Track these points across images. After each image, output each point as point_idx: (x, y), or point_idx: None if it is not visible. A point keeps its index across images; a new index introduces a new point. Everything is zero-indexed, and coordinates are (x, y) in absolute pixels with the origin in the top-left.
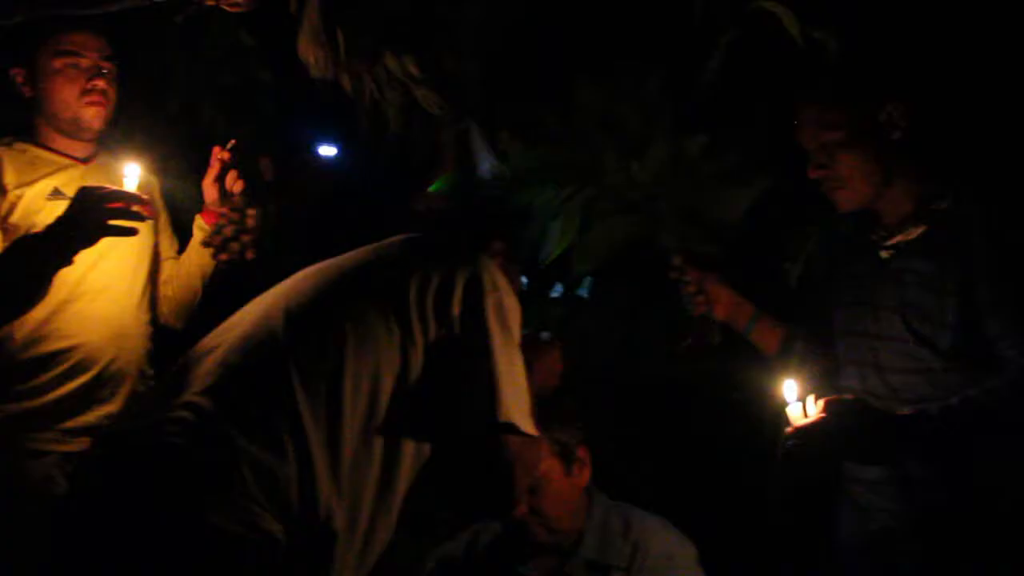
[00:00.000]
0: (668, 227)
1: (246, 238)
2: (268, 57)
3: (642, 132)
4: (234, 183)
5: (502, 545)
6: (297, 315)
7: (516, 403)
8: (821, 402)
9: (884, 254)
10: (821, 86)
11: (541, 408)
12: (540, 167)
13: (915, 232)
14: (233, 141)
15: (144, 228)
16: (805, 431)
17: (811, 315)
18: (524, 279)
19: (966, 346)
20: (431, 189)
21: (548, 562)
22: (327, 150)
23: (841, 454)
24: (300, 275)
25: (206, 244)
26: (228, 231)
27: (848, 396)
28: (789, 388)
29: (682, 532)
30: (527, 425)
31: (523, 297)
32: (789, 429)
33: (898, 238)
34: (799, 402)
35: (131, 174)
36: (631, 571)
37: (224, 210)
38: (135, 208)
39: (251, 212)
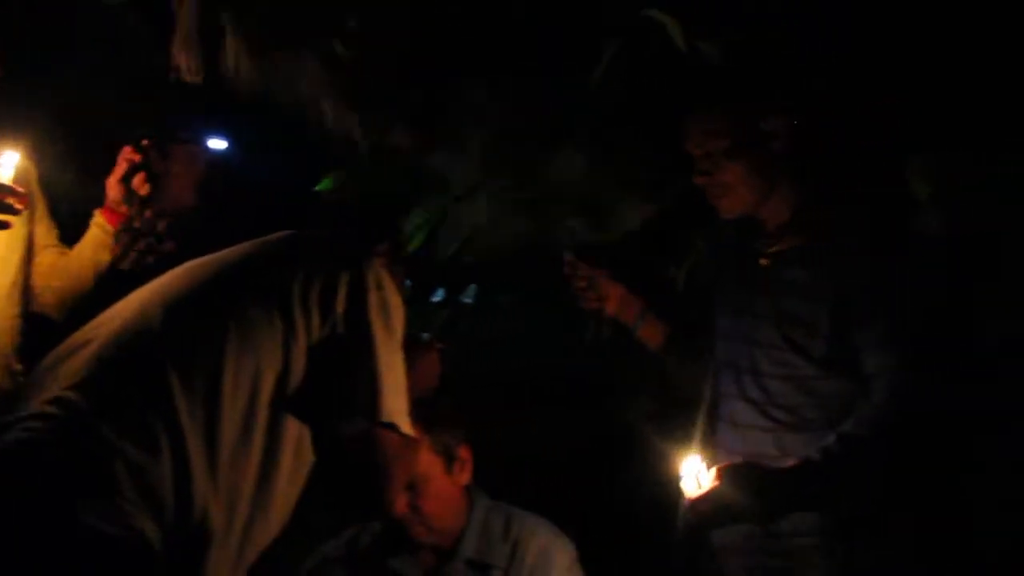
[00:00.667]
0: (565, 226)
1: (152, 246)
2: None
3: (539, 136)
4: (142, 185)
5: (382, 545)
6: (176, 310)
7: (396, 402)
8: (713, 471)
9: (763, 262)
10: (706, 96)
11: (423, 408)
12: (427, 170)
13: (793, 241)
14: (146, 141)
15: (17, 218)
16: (701, 503)
17: (695, 318)
18: (408, 282)
19: (839, 355)
20: (319, 187)
21: (428, 562)
22: (217, 143)
23: (739, 518)
24: (180, 269)
25: (116, 258)
26: (141, 246)
27: (737, 460)
28: (688, 463)
29: (562, 532)
30: (405, 424)
31: (406, 300)
32: (686, 503)
33: (776, 247)
34: (692, 475)
35: (6, 163)
36: (510, 571)
37: (127, 211)
38: (8, 200)
39: (161, 225)
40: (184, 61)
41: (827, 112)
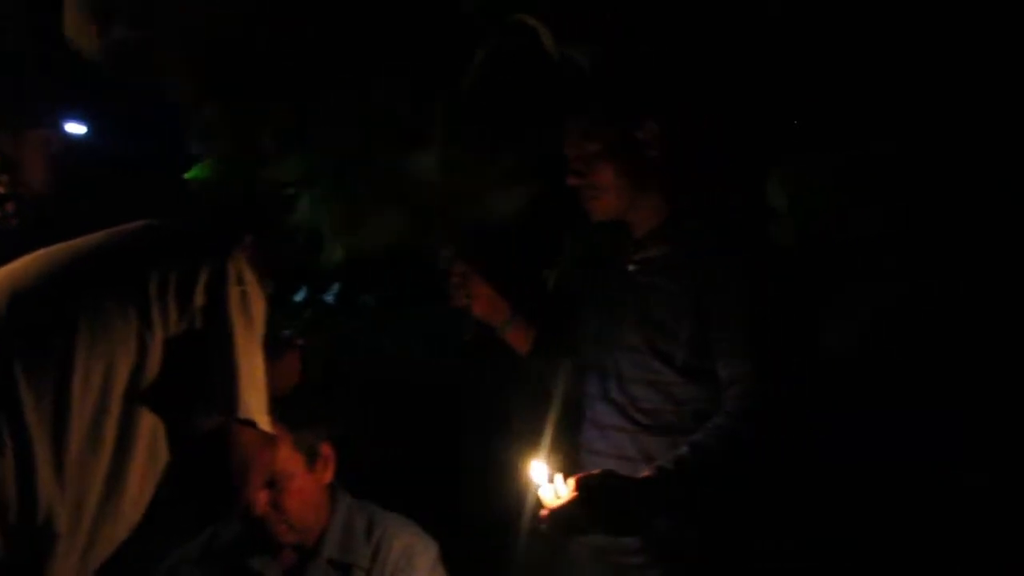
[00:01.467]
0: (440, 223)
1: None
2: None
3: (410, 130)
4: None
5: (241, 544)
6: (23, 301)
7: (254, 398)
8: (571, 481)
9: (631, 268)
10: (585, 101)
11: (284, 406)
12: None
13: (659, 249)
14: None
15: None
16: (559, 512)
17: (563, 321)
18: (270, 280)
19: (699, 362)
20: (188, 175)
21: (289, 561)
22: (75, 128)
23: (596, 528)
24: (31, 258)
25: None
26: None
27: (595, 471)
28: (538, 470)
29: (425, 532)
30: (264, 421)
31: (269, 298)
32: (543, 512)
33: (643, 254)
34: (550, 483)
35: None
36: (372, 571)
37: None
38: None
39: (10, 206)
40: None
41: (697, 122)
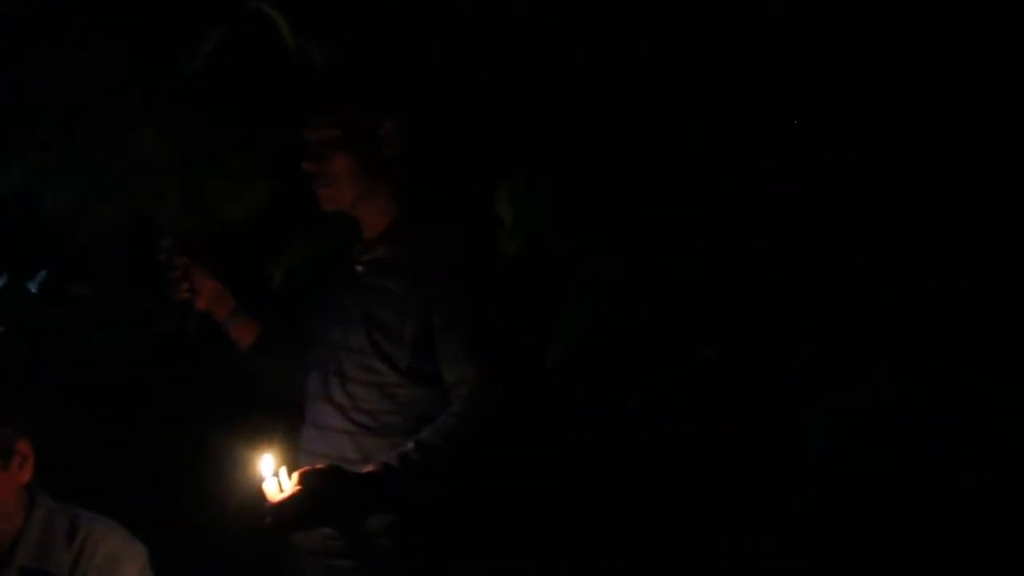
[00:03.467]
0: (167, 208)
1: None
2: None
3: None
4: None
5: None
6: None
7: None
8: (296, 475)
9: (358, 268)
10: (326, 93)
11: None
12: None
13: (388, 251)
14: None
15: None
16: (281, 507)
17: (288, 318)
18: None
19: (423, 365)
20: None
21: None
22: None
23: (316, 522)
24: None
25: None
26: None
27: (319, 463)
28: (265, 463)
29: (133, 536)
30: None
31: None
32: (268, 506)
33: (372, 254)
34: (274, 476)
35: None
36: None
37: None
38: None
39: None
40: None
41: (436, 128)
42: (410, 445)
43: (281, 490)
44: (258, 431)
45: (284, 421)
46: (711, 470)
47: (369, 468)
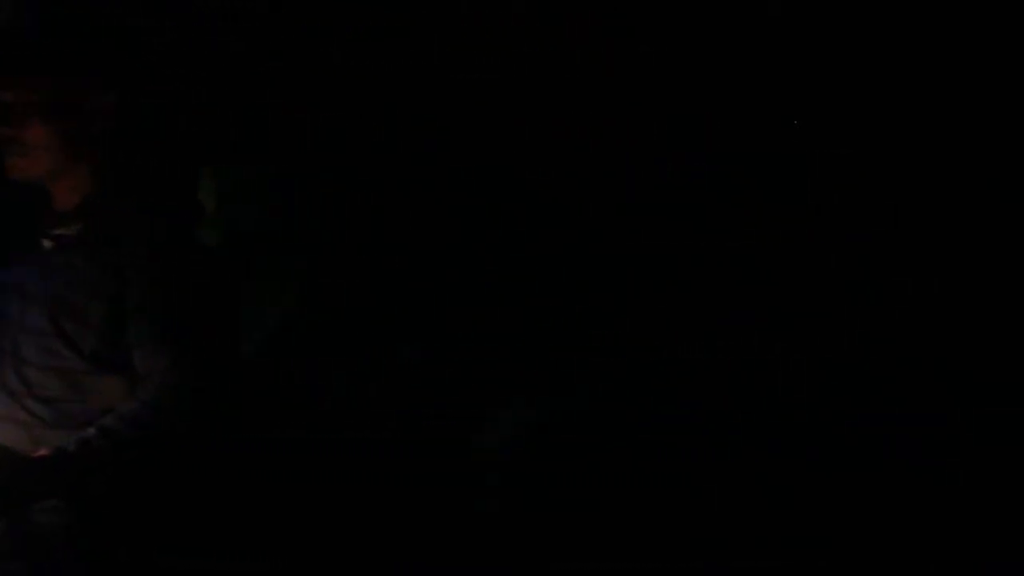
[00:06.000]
0: None
1: None
2: None
3: None
4: None
5: None
6: None
7: None
8: None
9: (47, 244)
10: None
11: None
12: None
13: (79, 228)
14: None
15: None
16: None
17: None
18: None
19: (112, 352)
20: None
21: None
22: None
23: None
24: None
25: None
26: None
27: None
28: None
29: None
30: None
31: None
32: None
33: (62, 230)
34: None
35: None
36: None
37: None
38: None
39: None
40: None
41: (147, 107)
42: (91, 430)
43: None
44: None
45: None
46: (403, 469)
47: (42, 452)
